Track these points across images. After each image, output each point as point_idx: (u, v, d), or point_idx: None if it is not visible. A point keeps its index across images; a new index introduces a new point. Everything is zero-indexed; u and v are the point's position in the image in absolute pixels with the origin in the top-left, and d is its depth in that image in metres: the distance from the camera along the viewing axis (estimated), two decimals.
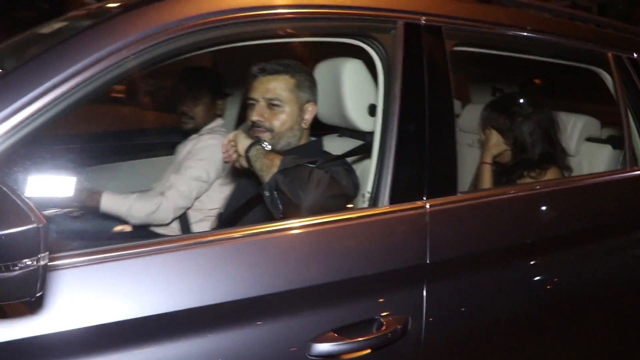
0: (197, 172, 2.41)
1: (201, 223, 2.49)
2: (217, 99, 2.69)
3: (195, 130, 2.66)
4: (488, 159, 2.17)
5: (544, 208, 1.60)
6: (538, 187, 1.71)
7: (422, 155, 1.35)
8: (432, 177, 1.35)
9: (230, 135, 1.68)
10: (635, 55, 2.05)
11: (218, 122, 2.69)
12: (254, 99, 1.78)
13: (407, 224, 1.29)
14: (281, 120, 1.74)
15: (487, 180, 2.16)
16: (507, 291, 1.45)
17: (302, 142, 1.81)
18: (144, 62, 1.06)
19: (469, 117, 2.69)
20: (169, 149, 3.02)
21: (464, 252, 1.36)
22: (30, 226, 0.72)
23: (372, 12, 1.39)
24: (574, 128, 2.37)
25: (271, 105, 1.74)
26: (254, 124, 1.74)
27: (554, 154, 2.16)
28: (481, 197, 1.48)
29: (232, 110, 3.08)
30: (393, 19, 1.40)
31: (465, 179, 2.53)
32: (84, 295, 0.90)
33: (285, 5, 1.28)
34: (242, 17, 1.19)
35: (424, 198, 1.32)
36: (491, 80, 3.56)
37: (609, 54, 1.94)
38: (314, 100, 1.81)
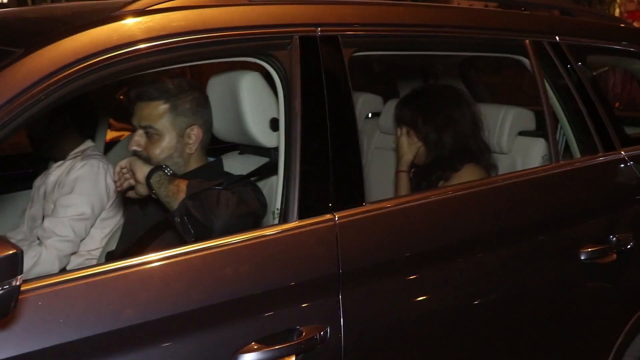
0: (80, 208, 2.78)
1: None
2: (82, 118, 3.07)
3: (60, 157, 3.01)
4: (404, 166, 2.82)
5: (455, 211, 2.21)
6: (449, 191, 2.34)
7: (327, 168, 1.92)
8: (338, 189, 1.93)
9: (123, 163, 2.19)
10: (557, 38, 2.71)
11: (88, 144, 3.07)
12: (133, 125, 2.30)
13: (317, 237, 1.85)
14: (160, 148, 2.25)
15: (403, 190, 2.79)
16: (422, 296, 2.04)
17: (195, 165, 2.31)
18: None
19: (391, 115, 3.18)
20: (20, 182, 3.41)
21: (376, 260, 1.95)
22: (13, 251, 1.24)
23: (266, 30, 1.94)
24: (504, 122, 2.97)
25: (147, 133, 2.26)
26: (134, 153, 2.25)
27: (472, 151, 2.79)
28: (389, 206, 2.08)
29: (100, 130, 3.43)
30: (288, 34, 1.97)
31: (388, 186, 3.20)
32: None
33: (172, 34, 1.78)
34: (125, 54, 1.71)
35: (333, 211, 1.90)
36: (427, 65, 4.24)
37: (527, 41, 2.59)
38: (199, 122, 2.29)
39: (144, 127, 2.27)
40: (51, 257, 2.70)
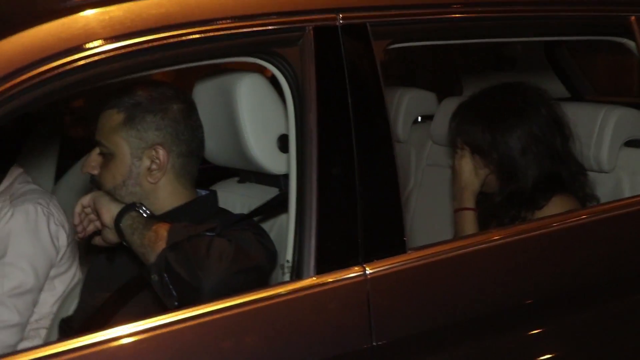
0: (19, 278, 2.76)
1: (23, 342, 2.82)
2: (10, 133, 3.02)
3: None
4: (467, 202, 2.79)
5: (538, 258, 2.26)
6: (529, 229, 2.37)
7: (355, 204, 1.99)
8: (370, 232, 1.99)
9: (86, 200, 2.25)
10: None
11: (14, 172, 3.00)
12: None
13: (342, 298, 1.93)
14: (111, 172, 2.31)
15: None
16: None
17: (174, 200, 2.34)
18: None
19: (447, 125, 3.14)
20: None
21: (423, 327, 2.01)
22: None
23: (269, 20, 2.00)
24: (604, 127, 2.95)
25: (101, 150, 2.32)
26: (91, 181, 2.32)
27: (561, 178, 2.77)
28: (440, 252, 2.12)
29: (49, 151, 3.55)
30: (298, 25, 2.03)
31: (445, 222, 3.25)
32: None
33: (145, 30, 1.84)
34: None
35: (363, 262, 1.97)
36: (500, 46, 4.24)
37: (632, 18, 2.61)
38: (167, 143, 2.31)
39: (97, 144, 2.34)
40: None
